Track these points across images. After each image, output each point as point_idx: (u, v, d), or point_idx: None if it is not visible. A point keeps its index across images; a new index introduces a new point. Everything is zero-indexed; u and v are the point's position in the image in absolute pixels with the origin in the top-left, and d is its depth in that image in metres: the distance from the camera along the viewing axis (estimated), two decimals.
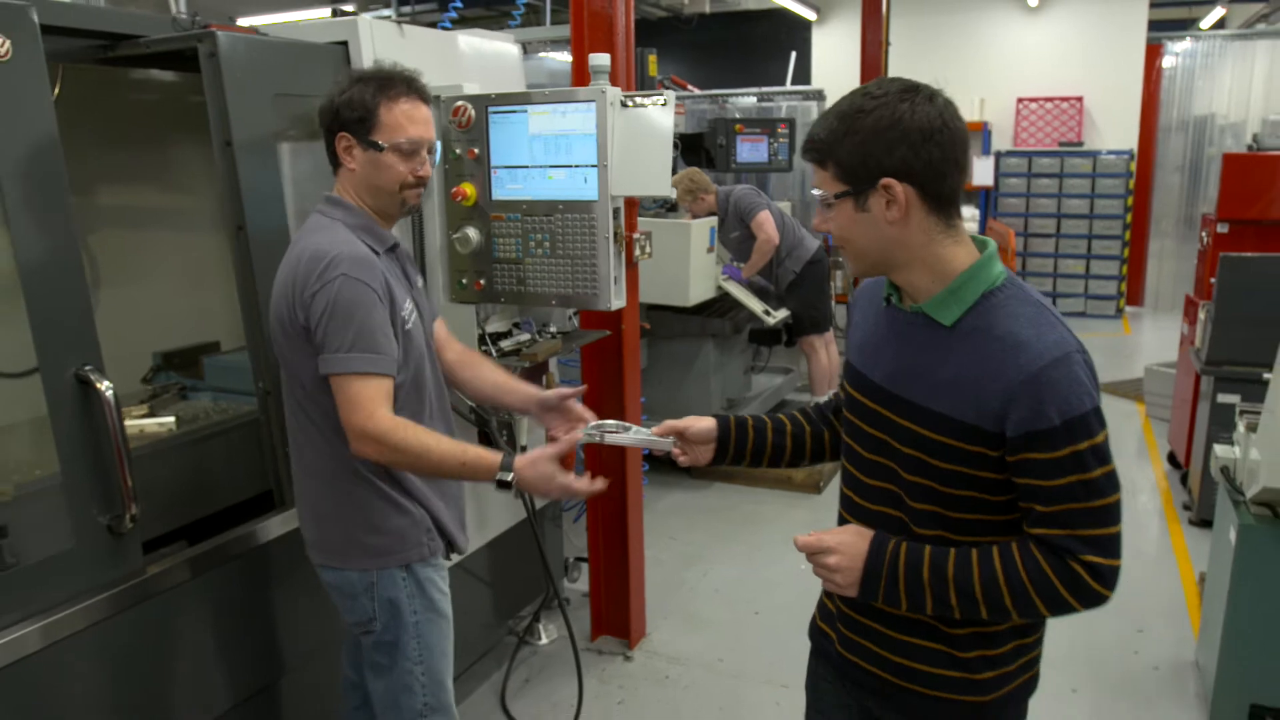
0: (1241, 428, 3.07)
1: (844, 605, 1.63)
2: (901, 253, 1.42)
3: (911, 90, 1.36)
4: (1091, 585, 1.39)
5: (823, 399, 5.71)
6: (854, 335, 1.64)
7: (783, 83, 8.64)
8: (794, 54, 9.17)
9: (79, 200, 2.10)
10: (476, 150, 2.58)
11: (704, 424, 1.76)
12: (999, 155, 10.12)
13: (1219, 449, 3.17)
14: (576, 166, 2.50)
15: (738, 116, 6.65)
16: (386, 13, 9.30)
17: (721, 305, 5.50)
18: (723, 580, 4.16)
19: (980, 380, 1.38)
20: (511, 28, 4.28)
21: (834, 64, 10.74)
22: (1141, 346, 8.55)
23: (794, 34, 11.26)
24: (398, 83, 2.00)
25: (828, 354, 5.81)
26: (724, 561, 4.34)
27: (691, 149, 5.92)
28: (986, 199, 10.20)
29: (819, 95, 7.41)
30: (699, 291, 5.08)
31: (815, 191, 1.45)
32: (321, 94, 2.05)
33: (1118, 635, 3.59)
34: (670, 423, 1.76)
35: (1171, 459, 5.32)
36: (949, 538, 1.47)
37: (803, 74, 10.57)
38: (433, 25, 3.01)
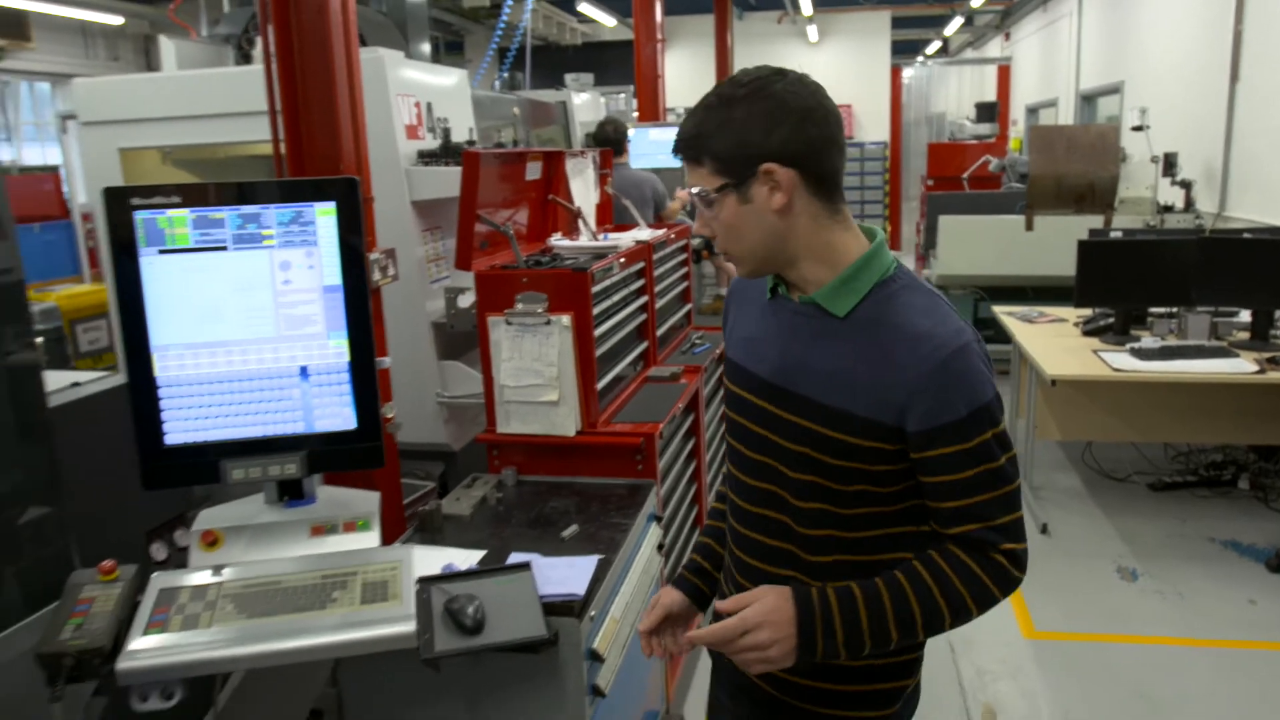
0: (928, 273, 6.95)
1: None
2: (791, 244, 1.32)
3: (780, 73, 1.28)
4: (1012, 573, 1.31)
5: None
6: (736, 331, 1.51)
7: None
8: None
9: None
10: None
11: (673, 600, 1.58)
12: None
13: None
14: None
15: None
16: None
17: None
18: None
19: (879, 373, 1.28)
20: None
21: (677, 83, 14.57)
22: None
23: None
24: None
25: None
26: None
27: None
28: None
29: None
30: None
31: (693, 190, 1.33)
32: None
33: None
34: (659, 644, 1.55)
35: None
36: (838, 535, 1.36)
37: None
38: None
